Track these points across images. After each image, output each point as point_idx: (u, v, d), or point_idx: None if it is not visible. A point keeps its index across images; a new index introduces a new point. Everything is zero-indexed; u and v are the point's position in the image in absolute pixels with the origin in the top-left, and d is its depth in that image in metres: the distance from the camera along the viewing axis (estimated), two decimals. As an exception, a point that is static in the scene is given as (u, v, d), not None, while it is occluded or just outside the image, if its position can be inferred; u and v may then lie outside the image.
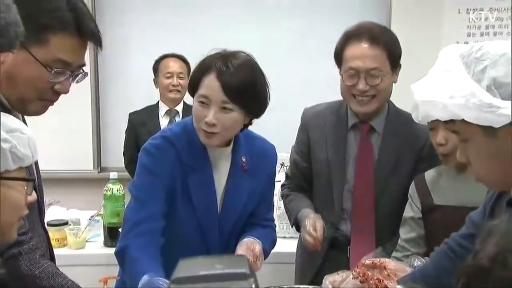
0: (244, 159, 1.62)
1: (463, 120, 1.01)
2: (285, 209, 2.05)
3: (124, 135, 3.47)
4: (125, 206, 1.80)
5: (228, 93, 1.46)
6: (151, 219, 1.48)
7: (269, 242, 1.68)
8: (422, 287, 1.26)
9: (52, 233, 2.18)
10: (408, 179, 1.80)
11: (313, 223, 1.77)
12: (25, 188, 1.00)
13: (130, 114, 3.46)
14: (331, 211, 1.88)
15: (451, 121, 1.52)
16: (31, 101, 1.22)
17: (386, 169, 1.85)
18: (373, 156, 1.86)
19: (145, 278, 1.31)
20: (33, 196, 1.03)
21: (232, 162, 1.61)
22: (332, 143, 1.89)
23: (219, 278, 0.66)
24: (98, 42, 1.26)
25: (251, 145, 1.64)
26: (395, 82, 1.84)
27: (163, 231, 1.50)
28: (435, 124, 1.62)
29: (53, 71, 1.19)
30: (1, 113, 0.98)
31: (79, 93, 3.62)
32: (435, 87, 1.03)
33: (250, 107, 1.51)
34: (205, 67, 1.49)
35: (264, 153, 1.67)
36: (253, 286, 0.65)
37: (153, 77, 3.46)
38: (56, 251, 1.55)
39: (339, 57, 1.83)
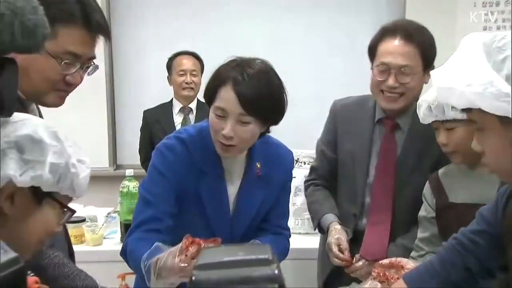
0: (258, 165, 1.59)
1: (479, 109, 0.99)
2: (308, 209, 2.04)
3: (139, 133, 3.50)
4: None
5: (245, 106, 1.42)
6: (155, 220, 1.47)
7: (279, 250, 1.60)
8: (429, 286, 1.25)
9: (71, 230, 2.20)
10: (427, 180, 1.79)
11: (337, 242, 1.80)
12: (62, 217, 1.01)
13: (144, 111, 3.47)
14: (353, 203, 1.90)
15: (453, 120, 1.49)
16: (46, 92, 1.24)
17: (407, 168, 1.85)
18: (396, 153, 1.86)
19: (143, 257, 1.33)
20: (60, 228, 1.04)
21: (246, 168, 1.59)
22: (358, 135, 1.90)
23: (242, 264, 0.67)
24: (106, 34, 1.26)
25: (266, 151, 1.61)
26: (425, 83, 1.81)
27: (169, 231, 1.49)
28: (436, 125, 1.63)
29: (63, 63, 1.21)
30: (69, 139, 1.00)
31: (94, 92, 3.68)
32: (454, 74, 1.01)
33: (268, 118, 1.48)
34: (220, 78, 1.45)
35: (279, 159, 1.64)
36: (276, 271, 0.65)
37: (167, 74, 3.49)
38: (75, 248, 1.56)
39: (372, 51, 1.83)
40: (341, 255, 1.79)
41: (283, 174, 1.65)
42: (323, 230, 1.93)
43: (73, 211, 1.03)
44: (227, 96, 1.43)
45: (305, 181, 2.09)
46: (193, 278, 0.65)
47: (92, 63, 1.29)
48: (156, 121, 3.39)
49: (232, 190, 1.58)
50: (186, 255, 1.25)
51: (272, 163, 1.62)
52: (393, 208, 1.85)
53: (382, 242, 1.83)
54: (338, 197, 1.96)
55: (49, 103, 1.28)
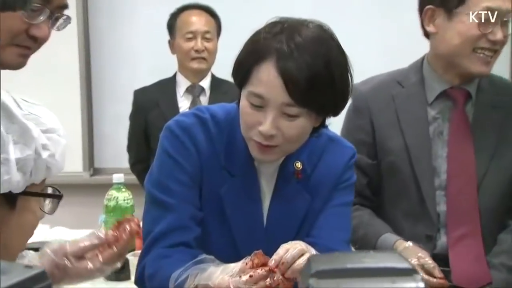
0: (298, 165, 1.61)
1: None
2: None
3: (127, 122, 3.49)
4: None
5: (294, 93, 1.42)
6: (179, 229, 1.52)
7: None
8: None
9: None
10: None
11: (419, 263, 1.81)
12: (43, 206, 1.12)
13: (135, 92, 3.46)
14: (422, 220, 1.94)
15: None
16: (3, 47, 1.26)
17: (487, 152, 1.94)
18: (471, 134, 1.94)
19: (176, 273, 1.39)
20: (42, 215, 1.14)
21: (281, 168, 1.62)
22: (410, 123, 1.96)
23: (374, 273, 0.72)
24: None
25: (312, 145, 1.63)
26: None
27: (198, 243, 1.54)
28: None
29: (29, 9, 1.24)
30: (30, 101, 1.09)
31: (61, 62, 3.76)
32: None
33: (324, 108, 1.50)
34: (258, 50, 1.46)
35: (330, 155, 1.66)
36: (423, 284, 0.71)
37: (168, 38, 3.45)
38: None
39: None
40: (432, 279, 1.79)
41: (335, 176, 1.67)
42: None
43: (58, 196, 1.13)
44: (267, 78, 1.44)
45: None
46: (310, 287, 0.72)
47: (63, 15, 1.32)
48: (153, 104, 3.38)
49: (266, 198, 1.63)
50: (251, 276, 1.32)
51: (320, 162, 1.65)
52: (479, 210, 1.93)
53: (479, 261, 1.88)
54: (390, 220, 2.01)
55: (6, 63, 1.28)
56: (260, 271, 1.34)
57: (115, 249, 1.37)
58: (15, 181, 1.01)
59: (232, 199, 1.58)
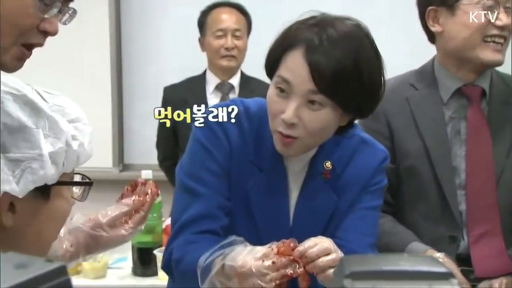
0: (328, 164, 1.60)
1: None
2: None
3: (156, 119, 3.47)
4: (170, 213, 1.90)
5: (318, 79, 1.42)
6: (208, 218, 1.53)
7: None
8: None
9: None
10: None
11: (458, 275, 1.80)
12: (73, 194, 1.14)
13: (165, 89, 3.47)
14: (444, 221, 1.93)
15: None
16: (9, 46, 1.24)
17: (503, 149, 1.93)
18: (489, 130, 1.93)
19: (205, 255, 1.38)
20: (73, 202, 1.15)
21: (310, 165, 1.61)
22: (427, 125, 1.95)
23: (410, 276, 0.72)
24: None
25: (342, 145, 1.62)
26: None
27: (226, 232, 1.53)
28: None
29: (40, 2, 1.22)
30: (52, 93, 1.09)
31: (95, 62, 3.74)
32: None
33: (350, 102, 1.48)
34: (289, 39, 1.47)
35: (360, 157, 1.63)
36: None
37: (199, 35, 3.45)
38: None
39: None
40: None
41: (365, 178, 1.65)
42: None
43: (89, 183, 1.16)
44: (294, 64, 1.45)
45: None
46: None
47: (69, 8, 1.30)
48: (182, 102, 3.30)
49: (293, 195, 1.62)
50: (273, 262, 1.32)
51: (350, 163, 1.63)
52: (499, 207, 1.93)
53: (502, 256, 1.89)
54: (409, 224, 1.99)
55: (4, 65, 1.25)
56: (284, 259, 1.33)
57: (142, 213, 1.42)
58: (49, 174, 1.02)
59: (259, 194, 1.57)
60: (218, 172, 1.55)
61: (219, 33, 3.33)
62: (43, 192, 1.04)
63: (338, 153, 1.62)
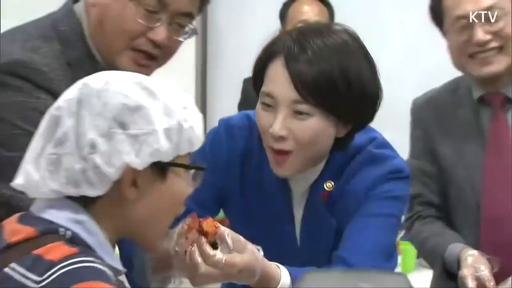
0: (329, 185, 1.55)
1: None
2: (419, 253, 2.20)
3: (236, 111, 3.49)
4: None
5: (302, 89, 1.39)
6: None
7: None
8: None
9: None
10: None
11: (474, 272, 1.80)
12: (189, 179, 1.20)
13: (244, 80, 3.48)
14: (475, 222, 1.97)
15: None
16: (121, 50, 1.36)
17: None
18: (510, 140, 1.94)
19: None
20: (191, 190, 1.22)
21: (311, 187, 1.56)
22: (458, 130, 1.99)
23: None
24: None
25: (351, 164, 1.55)
26: None
27: None
28: None
29: (143, 9, 1.33)
30: (163, 82, 1.17)
31: (180, 55, 3.75)
32: None
33: (339, 110, 1.43)
34: (269, 50, 1.46)
35: (366, 171, 1.54)
36: None
37: (279, 27, 3.42)
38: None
39: (437, 9, 1.92)
40: None
41: (365, 189, 1.56)
42: (451, 274, 1.92)
43: (202, 168, 1.22)
44: (276, 75, 1.43)
45: (406, 220, 2.09)
46: None
47: (187, 25, 1.40)
48: None
49: (297, 216, 1.60)
50: (187, 238, 1.31)
51: (353, 179, 1.55)
52: None
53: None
54: (457, 228, 2.02)
55: (121, 67, 1.36)
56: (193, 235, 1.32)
57: None
58: (164, 149, 1.11)
59: (263, 218, 1.56)
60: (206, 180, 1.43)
61: (301, 24, 3.27)
62: (160, 170, 1.13)
63: (343, 168, 1.56)
